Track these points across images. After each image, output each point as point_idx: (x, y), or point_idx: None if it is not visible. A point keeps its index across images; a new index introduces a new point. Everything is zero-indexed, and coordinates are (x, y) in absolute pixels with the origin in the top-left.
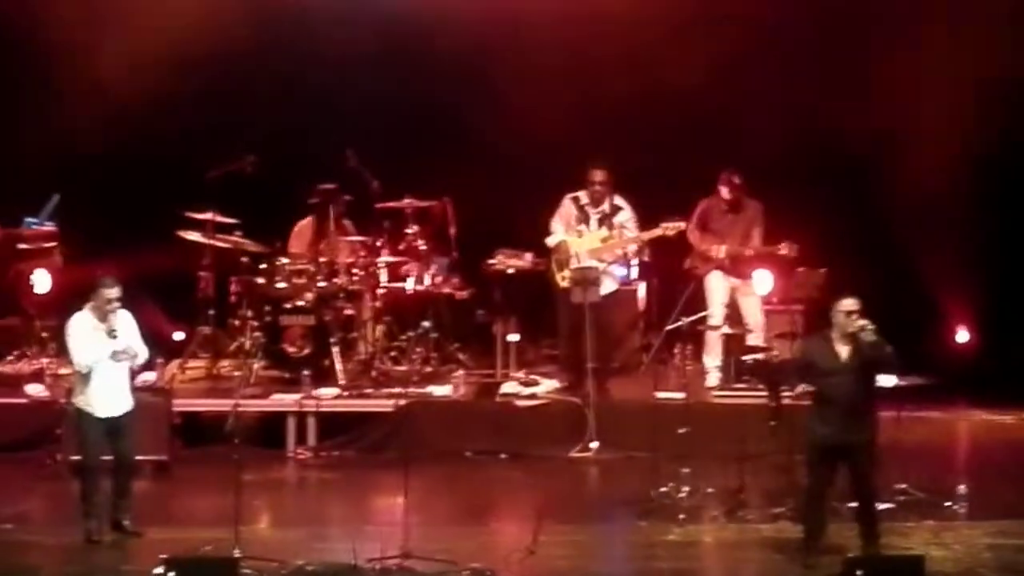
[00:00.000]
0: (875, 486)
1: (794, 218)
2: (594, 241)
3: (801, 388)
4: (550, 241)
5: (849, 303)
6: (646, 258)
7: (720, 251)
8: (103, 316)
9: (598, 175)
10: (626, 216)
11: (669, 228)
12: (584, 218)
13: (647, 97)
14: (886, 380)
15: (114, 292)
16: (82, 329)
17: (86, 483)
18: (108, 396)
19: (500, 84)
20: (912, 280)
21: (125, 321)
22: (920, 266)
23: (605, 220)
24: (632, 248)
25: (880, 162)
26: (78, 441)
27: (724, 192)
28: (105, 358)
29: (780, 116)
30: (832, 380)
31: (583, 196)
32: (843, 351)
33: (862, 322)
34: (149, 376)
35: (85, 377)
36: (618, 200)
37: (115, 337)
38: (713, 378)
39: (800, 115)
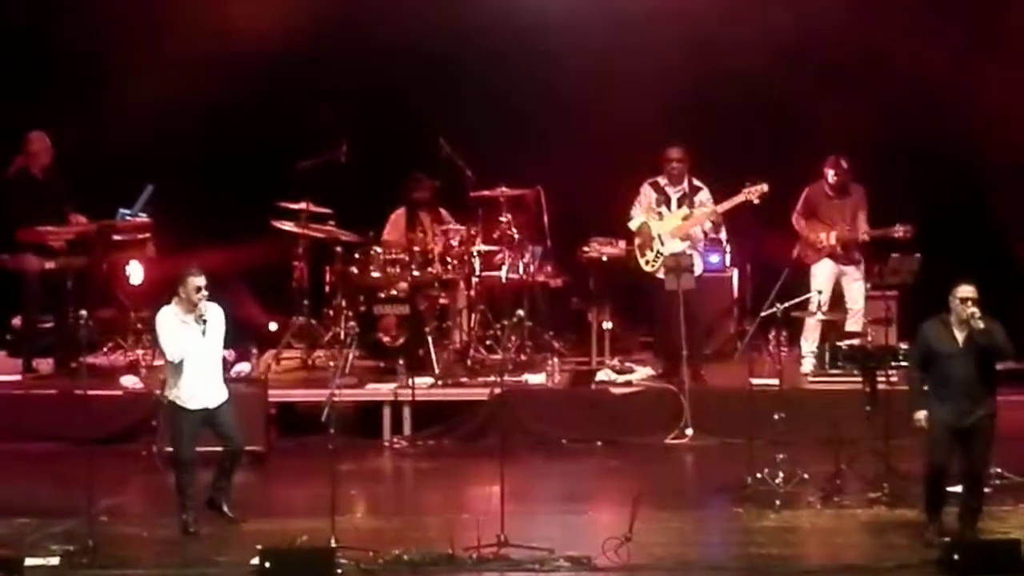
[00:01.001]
0: (986, 471)
1: (893, 202)
2: (675, 220)
3: (921, 415)
4: (632, 225)
5: (964, 290)
6: (725, 240)
7: (830, 237)
8: (190, 307)
9: (674, 152)
10: (706, 196)
11: (752, 192)
12: (665, 199)
13: (730, 81)
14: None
15: (200, 281)
16: (169, 321)
17: (180, 476)
18: (200, 388)
19: (592, 70)
20: (1010, 263)
21: (214, 313)
22: (1019, 249)
23: (685, 199)
24: (712, 222)
25: (982, 145)
26: (171, 434)
27: (830, 177)
28: (194, 349)
29: (876, 97)
30: (949, 363)
31: (661, 179)
32: (960, 335)
33: (972, 310)
34: (244, 367)
35: (177, 370)
36: (697, 181)
37: (204, 323)
38: (808, 364)
39: (898, 96)
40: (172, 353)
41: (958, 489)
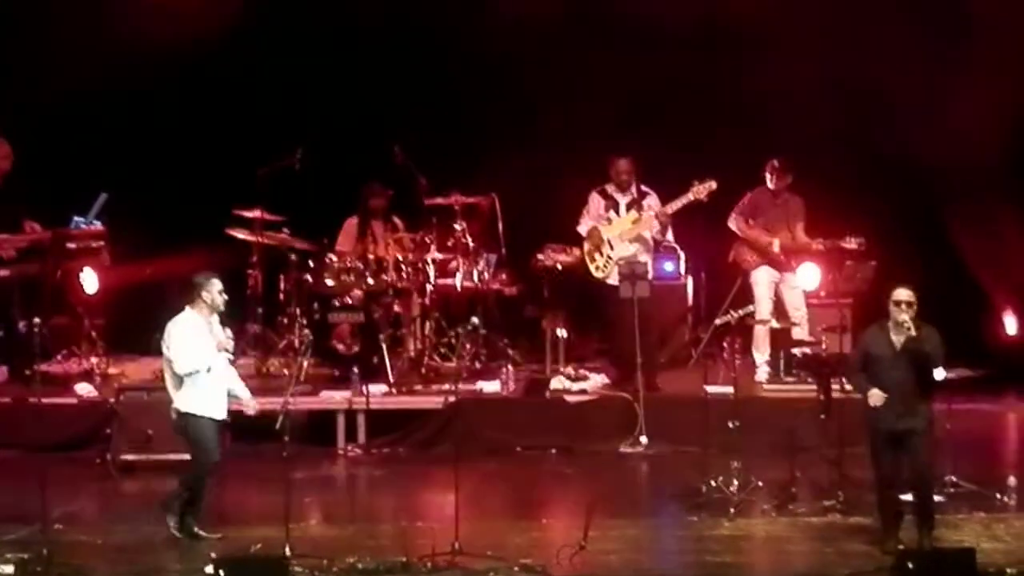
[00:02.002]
0: (931, 476)
1: (845, 210)
2: (625, 224)
3: (875, 394)
4: (581, 230)
5: (898, 293)
6: (671, 238)
7: (775, 245)
8: (212, 311)
9: (622, 164)
10: (654, 200)
11: (700, 190)
12: (613, 205)
13: (683, 86)
14: (936, 374)
15: (221, 283)
16: (190, 331)
17: (201, 483)
18: (221, 396)
19: (547, 79)
20: (962, 272)
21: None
22: (970, 259)
23: (633, 204)
24: (660, 223)
25: (933, 154)
26: (194, 444)
27: (771, 182)
28: (216, 359)
29: (825, 102)
30: (885, 368)
31: (609, 187)
32: (897, 340)
33: (903, 316)
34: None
35: (195, 379)
36: (645, 187)
37: (225, 326)
38: (762, 372)
39: (848, 103)
40: (199, 363)
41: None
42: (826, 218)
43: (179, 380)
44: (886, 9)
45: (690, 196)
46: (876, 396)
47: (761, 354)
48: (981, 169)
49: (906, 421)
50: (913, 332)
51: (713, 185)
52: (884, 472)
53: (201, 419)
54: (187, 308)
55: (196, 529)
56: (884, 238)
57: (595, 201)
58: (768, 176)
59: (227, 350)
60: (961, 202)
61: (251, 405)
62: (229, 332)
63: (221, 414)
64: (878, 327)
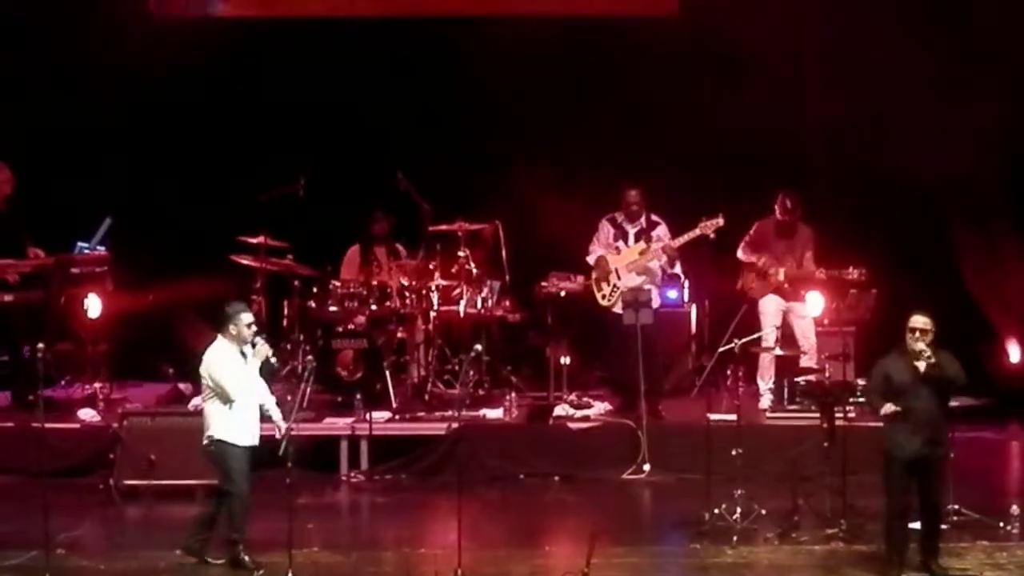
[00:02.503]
0: (943, 505)
1: (849, 238)
2: (632, 254)
3: (888, 408)
4: (590, 259)
5: (914, 320)
6: (682, 275)
7: (779, 274)
8: (240, 343)
9: (632, 195)
10: (663, 231)
11: (708, 226)
12: (622, 235)
13: (696, 120)
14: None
15: (250, 317)
16: (226, 359)
17: (239, 513)
18: (253, 424)
19: (552, 106)
20: (966, 301)
21: (258, 347)
22: (973, 287)
23: (642, 234)
24: (668, 257)
25: (936, 182)
26: (225, 473)
27: (779, 213)
28: (250, 388)
29: (831, 136)
30: (908, 395)
31: (619, 216)
32: (919, 366)
33: (920, 345)
34: (200, 400)
35: (228, 407)
36: (655, 217)
37: (255, 346)
38: (766, 400)
39: (851, 136)
40: (235, 391)
41: (917, 525)
42: (829, 247)
43: (217, 408)
44: (889, 34)
45: (697, 231)
46: (889, 407)
47: (765, 382)
48: (983, 197)
49: (931, 447)
50: (932, 359)
51: (720, 222)
52: (898, 500)
53: (234, 447)
54: (219, 336)
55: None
56: (888, 266)
57: (604, 229)
58: (777, 207)
59: (270, 359)
60: (964, 230)
61: (282, 427)
62: (262, 343)
63: (253, 441)
64: (897, 353)
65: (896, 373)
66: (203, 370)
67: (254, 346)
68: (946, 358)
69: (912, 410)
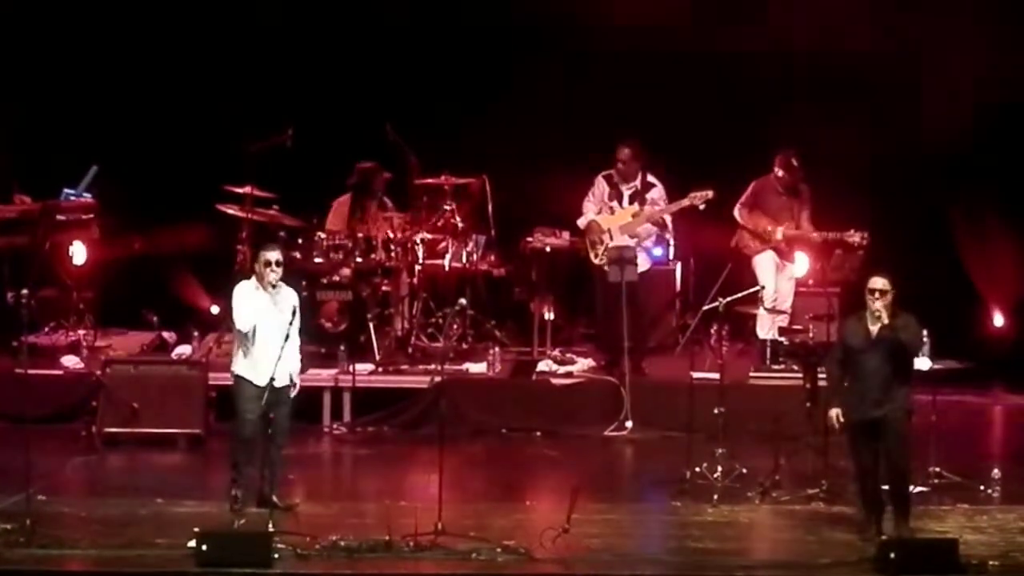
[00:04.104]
0: (904, 467)
1: (844, 202)
2: (625, 216)
3: (832, 413)
4: (581, 222)
5: (872, 281)
6: (670, 236)
7: (777, 232)
8: (259, 278)
9: (624, 152)
10: (658, 193)
11: (697, 198)
12: (617, 195)
13: (683, 72)
14: (921, 363)
15: (271, 256)
16: (243, 291)
17: (237, 452)
18: (266, 365)
19: (540, 59)
20: (950, 265)
21: (288, 296)
22: (958, 251)
23: (637, 196)
24: (661, 222)
25: (924, 138)
26: (234, 408)
27: (779, 173)
28: (263, 322)
29: (829, 96)
30: (861, 358)
31: (615, 174)
32: (873, 330)
33: (876, 306)
34: (185, 349)
35: (245, 343)
36: (651, 178)
37: (274, 295)
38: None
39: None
40: (240, 321)
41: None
42: (826, 210)
43: (237, 343)
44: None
45: (685, 202)
46: (834, 416)
47: (766, 332)
48: (973, 170)
49: (880, 410)
50: (885, 320)
51: (710, 194)
52: (861, 461)
53: (247, 384)
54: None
55: (274, 498)
56: (880, 230)
57: (600, 186)
58: (777, 167)
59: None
60: (955, 195)
61: (296, 383)
62: (293, 300)
63: (261, 380)
64: (856, 317)
65: (852, 337)
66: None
67: (274, 287)
68: (906, 321)
69: (864, 373)
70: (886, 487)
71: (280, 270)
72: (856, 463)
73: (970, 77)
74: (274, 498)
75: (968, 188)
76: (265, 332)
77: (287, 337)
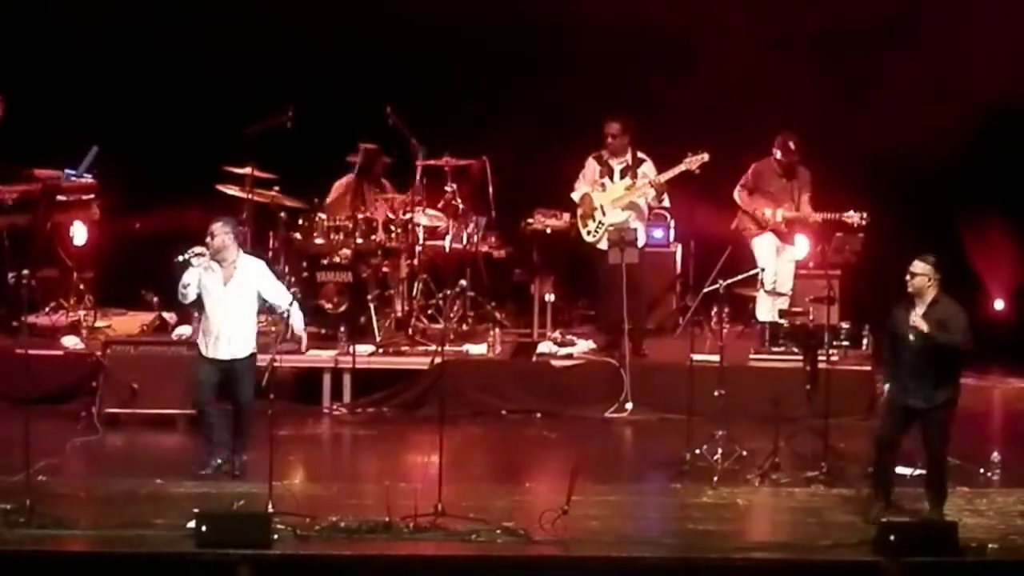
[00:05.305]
0: (942, 457)
1: (839, 178)
2: (618, 190)
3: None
4: (574, 196)
5: (913, 265)
6: (667, 203)
7: (777, 215)
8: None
9: (612, 127)
10: (649, 167)
11: (693, 162)
12: (608, 171)
13: (677, 53)
14: None
15: (213, 227)
16: (197, 267)
17: (199, 422)
18: (217, 339)
19: (541, 41)
20: (950, 249)
21: (247, 268)
22: (959, 235)
23: (628, 171)
24: (655, 193)
25: (927, 125)
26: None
27: (778, 155)
28: (210, 298)
29: (822, 79)
30: (904, 344)
31: (604, 153)
32: (915, 315)
33: (911, 289)
34: (185, 330)
35: (203, 317)
36: (641, 153)
37: (195, 261)
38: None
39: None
40: (181, 291)
41: (905, 471)
42: (827, 192)
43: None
44: None
45: (682, 167)
46: (883, 389)
47: (766, 315)
48: (974, 150)
49: (923, 401)
50: (923, 306)
51: (706, 157)
52: (885, 434)
53: (200, 356)
54: None
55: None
56: (887, 213)
57: (591, 166)
58: (776, 149)
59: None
60: (955, 180)
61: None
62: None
63: (213, 354)
64: (903, 306)
65: (897, 323)
66: None
67: (228, 262)
68: (945, 311)
69: (903, 360)
70: (904, 470)
71: (215, 242)
72: (880, 434)
73: (971, 64)
74: (237, 464)
75: (968, 173)
76: (212, 306)
77: (246, 311)
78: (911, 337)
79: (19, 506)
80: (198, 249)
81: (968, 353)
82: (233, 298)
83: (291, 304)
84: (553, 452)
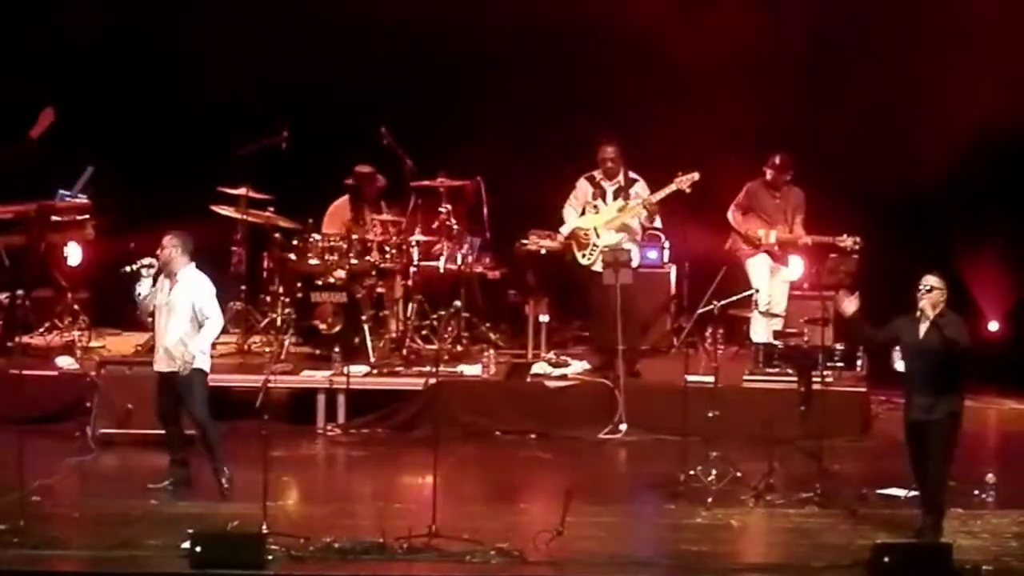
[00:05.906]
0: (940, 475)
1: (833, 201)
2: (611, 212)
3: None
4: (563, 230)
5: (925, 279)
6: (658, 224)
7: (770, 236)
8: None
9: (608, 151)
10: (641, 187)
11: (683, 181)
12: (600, 193)
13: (669, 75)
14: (900, 365)
15: (163, 240)
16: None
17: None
18: (159, 350)
19: (537, 63)
20: (945, 270)
21: (185, 281)
22: (953, 256)
23: (621, 192)
24: (648, 211)
25: (920, 149)
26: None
27: (769, 175)
28: (156, 309)
29: (815, 99)
30: (910, 358)
31: (597, 174)
32: (922, 329)
33: (923, 303)
34: None
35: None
36: (633, 174)
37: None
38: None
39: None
40: (139, 306)
41: (898, 492)
42: (820, 215)
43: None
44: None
45: (673, 187)
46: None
47: (760, 336)
48: (973, 185)
49: (927, 414)
50: (930, 316)
51: (696, 176)
52: (917, 468)
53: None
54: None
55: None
56: (880, 236)
57: (583, 187)
58: (768, 169)
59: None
60: (950, 202)
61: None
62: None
63: (156, 367)
64: (910, 318)
65: (904, 334)
66: None
67: (174, 275)
68: (950, 322)
69: (910, 374)
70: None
71: (163, 254)
72: (914, 470)
73: (969, 87)
74: (223, 483)
75: (961, 195)
76: (157, 318)
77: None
78: (920, 343)
79: (12, 526)
80: (146, 261)
81: (967, 372)
82: (171, 311)
83: (208, 321)
84: (547, 473)
